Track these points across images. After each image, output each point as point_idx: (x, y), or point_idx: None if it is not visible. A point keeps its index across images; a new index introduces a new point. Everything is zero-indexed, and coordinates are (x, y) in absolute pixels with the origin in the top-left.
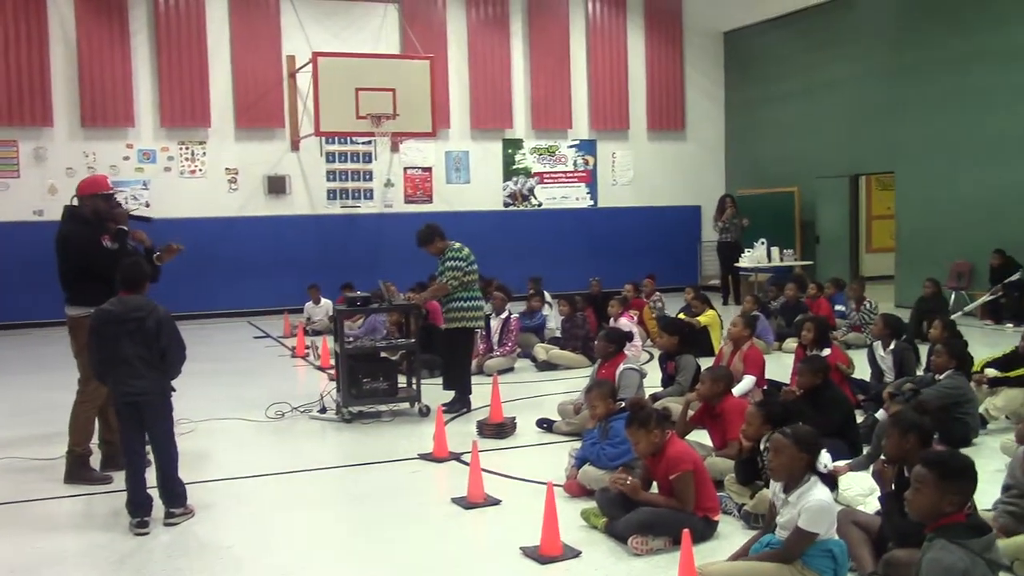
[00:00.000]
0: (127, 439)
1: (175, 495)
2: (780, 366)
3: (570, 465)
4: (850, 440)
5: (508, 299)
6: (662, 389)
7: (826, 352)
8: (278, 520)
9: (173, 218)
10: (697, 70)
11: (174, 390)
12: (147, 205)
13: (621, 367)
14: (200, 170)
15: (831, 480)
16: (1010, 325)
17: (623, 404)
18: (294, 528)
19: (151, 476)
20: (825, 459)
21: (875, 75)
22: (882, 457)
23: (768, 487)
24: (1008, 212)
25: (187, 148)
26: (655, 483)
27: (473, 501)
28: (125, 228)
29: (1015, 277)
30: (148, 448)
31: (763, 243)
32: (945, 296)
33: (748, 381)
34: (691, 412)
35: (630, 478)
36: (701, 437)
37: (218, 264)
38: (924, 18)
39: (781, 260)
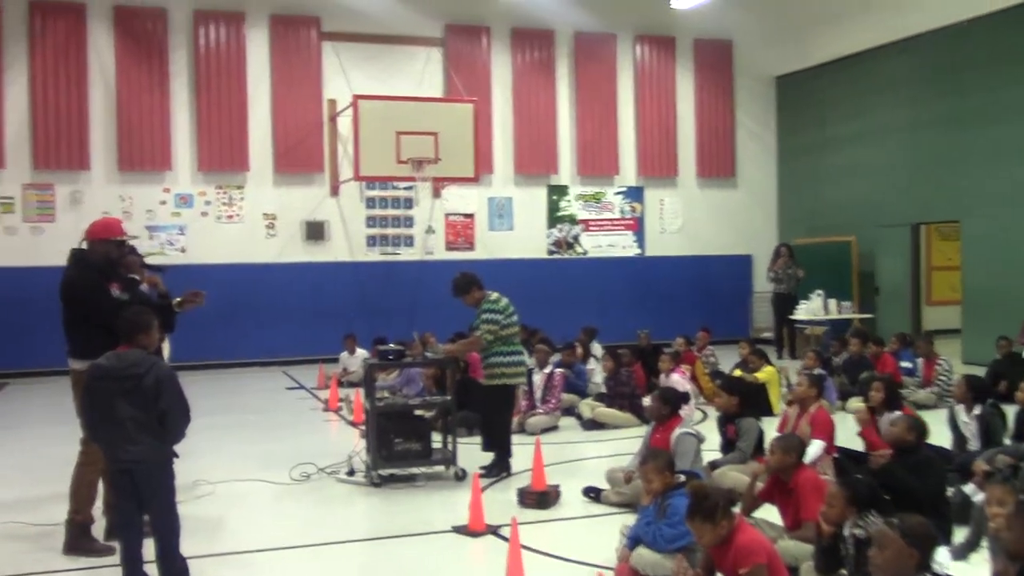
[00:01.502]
0: (120, 511)
1: (176, 574)
2: (845, 429)
3: (622, 545)
4: (941, 516)
5: (552, 352)
6: (721, 456)
7: (896, 415)
8: None
9: (209, 263)
10: (748, 115)
11: (176, 456)
12: (183, 250)
13: (677, 431)
14: (238, 215)
15: None
16: None
17: (683, 478)
18: None
19: (149, 550)
20: (943, 558)
21: (936, 120)
22: (985, 548)
23: None
24: None
25: (225, 192)
26: (719, 571)
27: None
28: (137, 277)
29: None
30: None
31: (820, 294)
32: (1017, 353)
33: (816, 447)
34: (759, 485)
35: (692, 571)
36: (769, 513)
37: (254, 311)
38: (990, 61)
39: (839, 312)
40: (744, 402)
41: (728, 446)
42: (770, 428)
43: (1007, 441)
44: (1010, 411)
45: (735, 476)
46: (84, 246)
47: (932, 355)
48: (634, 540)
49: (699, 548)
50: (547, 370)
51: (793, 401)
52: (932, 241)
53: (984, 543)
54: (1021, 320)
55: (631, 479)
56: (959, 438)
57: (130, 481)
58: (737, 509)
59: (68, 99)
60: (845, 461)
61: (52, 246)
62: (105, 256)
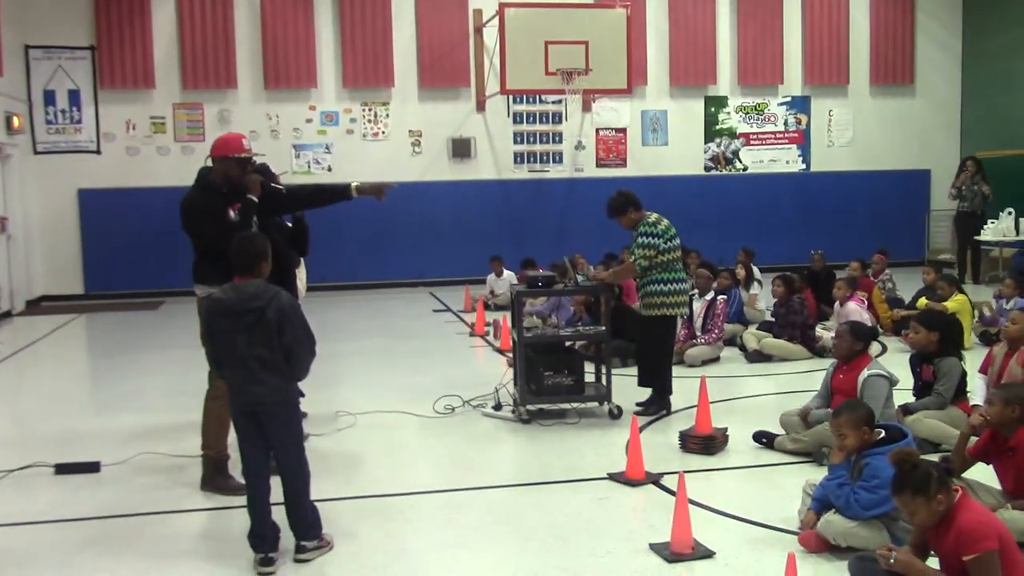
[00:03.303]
0: (247, 456)
1: (306, 524)
2: None
3: (806, 507)
4: None
5: (714, 277)
6: (915, 400)
7: None
8: (430, 563)
9: None
10: (929, 16)
11: (303, 395)
12: (329, 169)
13: (865, 372)
14: (383, 132)
15: None
16: None
17: (883, 433)
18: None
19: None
20: None
21: None
22: None
23: None
24: None
25: (370, 109)
26: (936, 555)
27: (678, 552)
28: (255, 198)
29: None
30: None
31: (1010, 213)
32: None
33: None
34: (972, 440)
35: (899, 552)
36: (983, 474)
37: (400, 231)
38: None
39: None
40: (945, 339)
41: (923, 388)
42: (966, 365)
43: None
44: None
45: (932, 424)
46: (208, 164)
47: None
48: (822, 503)
49: (901, 516)
50: (708, 296)
51: (1004, 339)
52: None
53: None
54: None
55: (808, 417)
56: None
57: (256, 423)
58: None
59: (214, 18)
60: None
61: (201, 164)
62: (225, 175)
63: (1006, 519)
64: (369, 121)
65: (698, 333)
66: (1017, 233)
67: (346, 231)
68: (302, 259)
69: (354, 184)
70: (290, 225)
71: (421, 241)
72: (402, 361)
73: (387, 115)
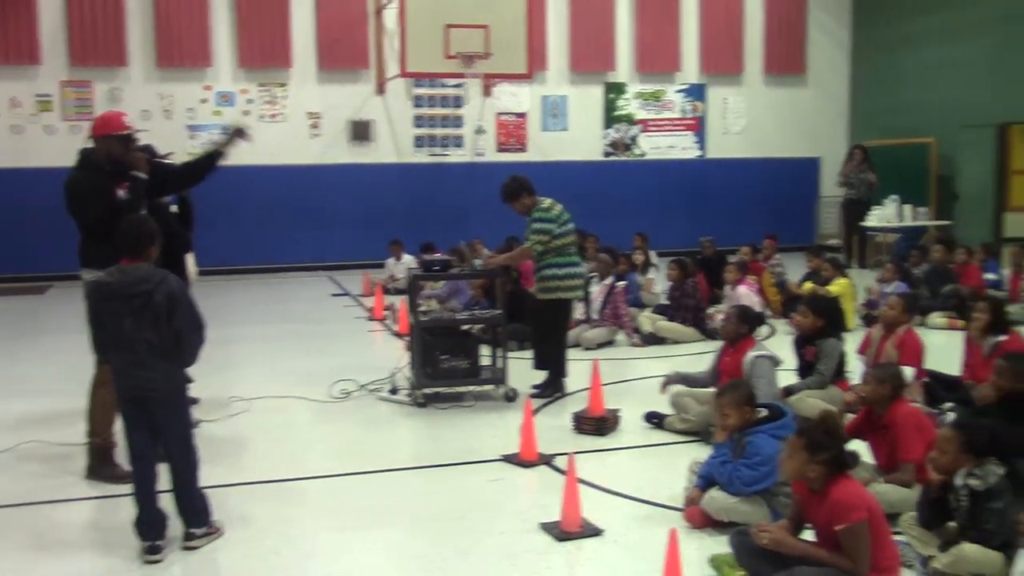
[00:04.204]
0: (133, 443)
1: (194, 511)
2: (928, 346)
3: (692, 484)
4: None
5: (616, 262)
6: (798, 380)
7: (1002, 339)
8: (323, 545)
9: (252, 165)
10: (821, 8)
11: (191, 381)
12: None
13: (751, 354)
14: (281, 114)
15: None
16: None
17: (764, 412)
18: (340, 559)
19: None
20: None
21: None
22: None
23: (965, 537)
24: None
25: (267, 90)
26: (811, 527)
27: (568, 530)
28: (142, 176)
29: None
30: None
31: (894, 200)
32: None
33: (906, 373)
34: (848, 417)
35: (771, 530)
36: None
37: (298, 214)
38: None
39: (914, 219)
40: (828, 322)
41: (806, 369)
42: (846, 346)
43: None
44: None
45: (813, 403)
46: (90, 144)
47: (1022, 267)
48: (706, 480)
49: (781, 492)
50: (608, 281)
51: (882, 324)
52: (1015, 143)
53: None
54: None
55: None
56: None
57: (143, 410)
58: None
59: None
60: (936, 387)
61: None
62: (108, 154)
63: (877, 492)
64: (267, 102)
65: (594, 316)
66: (900, 219)
67: (243, 214)
68: (190, 242)
69: (217, 141)
70: (175, 208)
71: (320, 224)
72: (298, 346)
73: (285, 96)
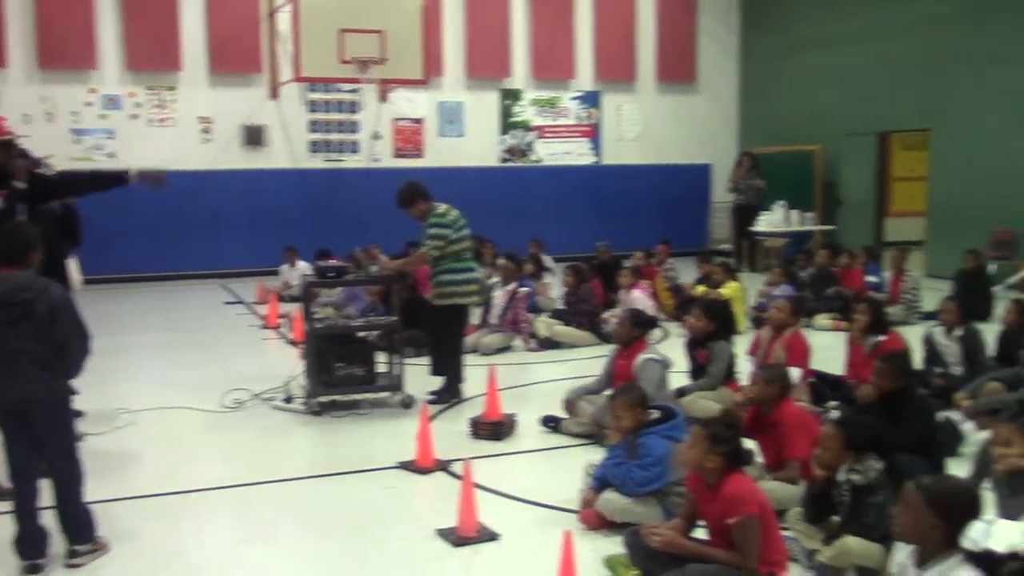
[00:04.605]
0: (12, 457)
1: (78, 528)
2: (814, 347)
3: (587, 486)
4: (931, 456)
5: (519, 269)
6: (690, 382)
7: (882, 339)
8: (215, 559)
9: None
10: (710, 17)
11: (75, 393)
12: (112, 156)
13: (641, 357)
14: (170, 118)
15: (987, 563)
16: None
17: (656, 414)
18: (233, 573)
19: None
20: (977, 533)
21: (915, 22)
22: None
23: (848, 531)
24: None
25: (156, 93)
26: (704, 522)
27: (464, 535)
28: (21, 186)
29: None
30: None
31: (782, 205)
32: (984, 266)
33: (793, 374)
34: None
35: (662, 533)
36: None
37: (190, 221)
38: None
39: (801, 224)
40: (719, 325)
41: (697, 371)
42: (736, 348)
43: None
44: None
45: (705, 404)
46: None
47: (901, 269)
48: (601, 481)
49: (674, 492)
50: (510, 287)
51: (770, 325)
52: (895, 151)
53: (988, 485)
54: (989, 232)
55: (574, 409)
56: (934, 359)
57: (22, 422)
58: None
59: None
60: (822, 386)
61: None
62: None
63: (765, 490)
64: (156, 106)
65: (493, 321)
66: (788, 224)
67: (134, 221)
68: (73, 249)
69: (132, 170)
70: (59, 213)
71: (213, 231)
72: (189, 355)
73: (175, 100)
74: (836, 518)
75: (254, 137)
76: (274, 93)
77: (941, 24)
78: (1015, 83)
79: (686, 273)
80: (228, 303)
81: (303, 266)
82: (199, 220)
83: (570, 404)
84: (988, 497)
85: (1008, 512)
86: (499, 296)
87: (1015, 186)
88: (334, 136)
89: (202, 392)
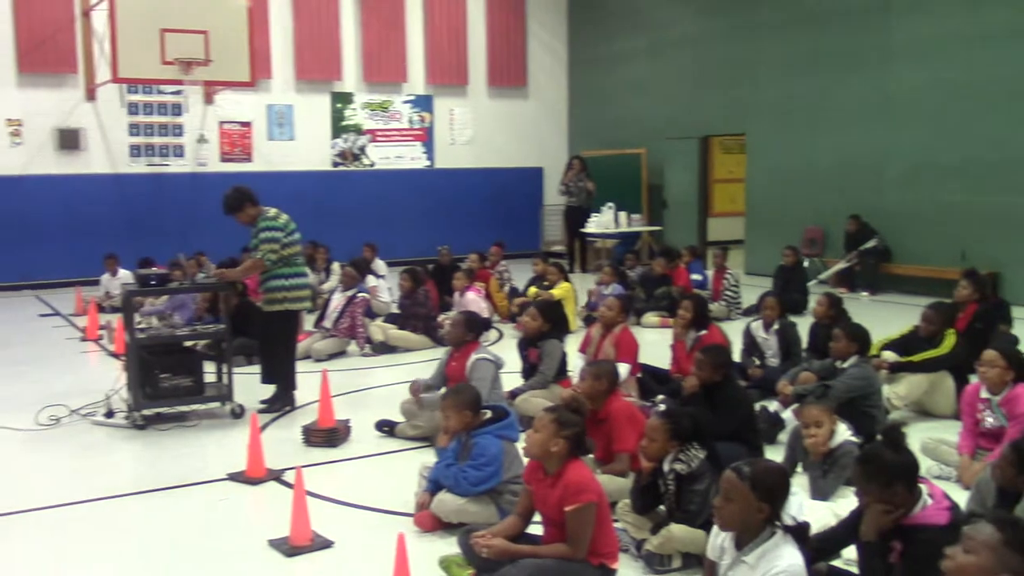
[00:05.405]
0: None
1: None
2: (643, 343)
3: (422, 489)
4: (749, 443)
5: (362, 275)
6: (523, 382)
7: (703, 333)
8: None
9: None
10: (539, 23)
11: None
12: None
13: (473, 357)
14: None
15: (802, 534)
16: (864, 294)
17: (489, 414)
18: None
19: None
20: (795, 507)
21: (729, 33)
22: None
23: (673, 519)
24: (862, 178)
25: None
26: (541, 516)
27: (297, 544)
28: None
29: (870, 244)
30: None
31: (611, 207)
32: (801, 262)
33: (622, 370)
34: None
35: (492, 542)
36: None
37: (0, 229)
38: None
39: (629, 225)
40: (555, 326)
41: (530, 370)
42: (568, 347)
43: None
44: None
45: (537, 403)
46: None
47: (722, 267)
48: (435, 484)
49: (507, 491)
50: (348, 292)
51: (600, 324)
52: (715, 154)
53: (800, 467)
54: (802, 231)
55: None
56: (752, 351)
57: None
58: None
59: None
60: (649, 381)
61: None
62: None
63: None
64: None
65: (329, 326)
66: (617, 226)
67: None
68: None
69: None
70: None
71: (25, 240)
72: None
73: None
74: (662, 508)
75: (69, 141)
76: (91, 95)
77: (753, 33)
78: (816, 91)
79: (521, 275)
80: (43, 315)
81: (125, 275)
82: (9, 228)
83: (418, 390)
84: (800, 480)
85: (820, 493)
86: (336, 301)
87: (820, 187)
88: (157, 140)
89: (14, 410)
